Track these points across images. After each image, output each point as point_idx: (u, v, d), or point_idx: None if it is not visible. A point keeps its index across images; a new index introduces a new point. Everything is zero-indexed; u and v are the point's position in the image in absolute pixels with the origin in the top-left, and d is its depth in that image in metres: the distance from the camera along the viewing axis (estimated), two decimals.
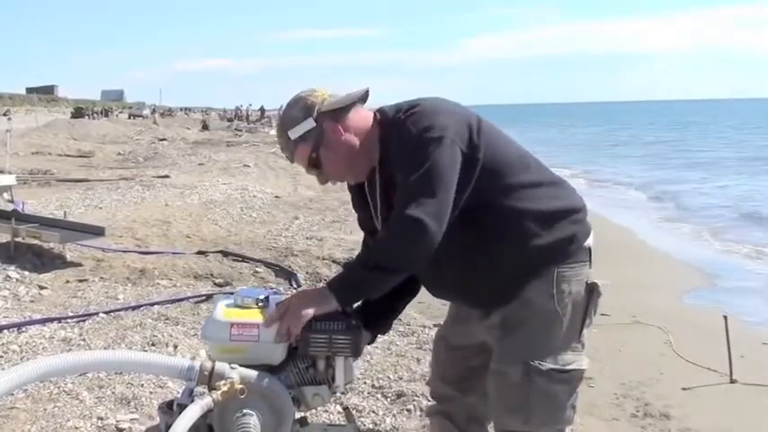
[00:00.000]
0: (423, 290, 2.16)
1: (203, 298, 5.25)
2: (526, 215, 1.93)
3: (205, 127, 36.14)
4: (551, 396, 1.96)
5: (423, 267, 1.88)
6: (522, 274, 1.95)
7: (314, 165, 1.97)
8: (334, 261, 6.45)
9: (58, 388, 3.48)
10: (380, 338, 4.36)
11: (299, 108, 1.95)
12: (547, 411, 1.96)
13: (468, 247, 1.91)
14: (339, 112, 1.95)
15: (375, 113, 2.00)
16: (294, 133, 1.93)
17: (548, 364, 1.94)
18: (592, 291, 2.00)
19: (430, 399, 2.47)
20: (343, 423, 2.82)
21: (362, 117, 1.99)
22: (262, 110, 47.42)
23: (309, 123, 1.93)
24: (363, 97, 2.01)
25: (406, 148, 1.86)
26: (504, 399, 2.00)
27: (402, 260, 1.83)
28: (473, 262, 1.94)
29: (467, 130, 1.90)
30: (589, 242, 2.03)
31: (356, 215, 2.20)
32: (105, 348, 4.07)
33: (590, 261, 2.03)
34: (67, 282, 5.64)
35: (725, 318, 4.22)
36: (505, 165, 1.94)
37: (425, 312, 4.85)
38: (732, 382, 4.05)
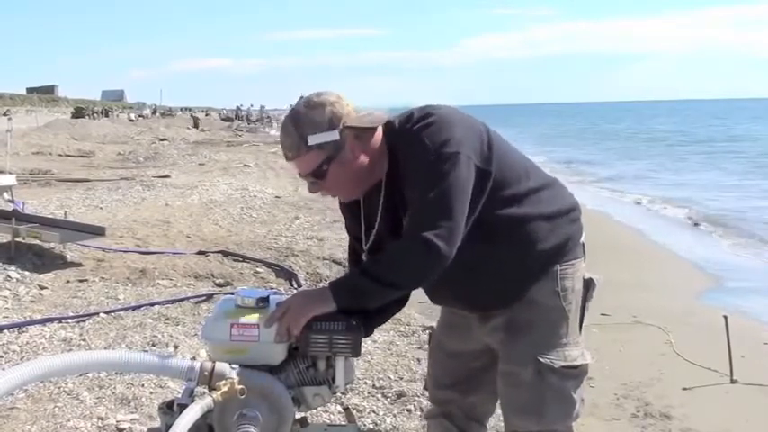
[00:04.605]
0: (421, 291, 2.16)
1: (204, 298, 5.25)
2: (530, 220, 1.94)
3: (195, 125, 36.56)
4: (563, 392, 1.97)
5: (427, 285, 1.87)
6: (527, 276, 1.96)
7: (317, 175, 1.87)
8: (334, 261, 6.45)
9: (59, 388, 3.48)
10: (381, 338, 4.40)
11: (325, 114, 1.82)
12: (559, 408, 1.98)
13: (474, 254, 1.89)
14: (363, 131, 1.87)
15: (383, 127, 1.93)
16: (314, 139, 1.81)
17: (559, 362, 1.95)
18: (588, 286, 2.05)
19: (429, 403, 2.47)
20: (343, 423, 2.82)
21: (377, 137, 1.91)
22: (261, 109, 47.58)
23: (333, 135, 1.82)
24: (384, 120, 1.93)
25: (422, 163, 1.81)
26: (516, 400, 2.00)
27: (409, 279, 1.83)
28: (478, 268, 1.93)
29: (479, 143, 1.88)
30: (583, 238, 2.07)
31: (345, 221, 2.15)
32: (106, 348, 4.06)
33: (584, 256, 2.07)
34: (68, 282, 5.64)
35: (725, 318, 4.22)
36: (510, 174, 1.93)
37: (426, 312, 4.85)
38: (733, 382, 4.05)
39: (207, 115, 60.62)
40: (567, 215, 2.02)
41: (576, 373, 1.99)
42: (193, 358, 1.79)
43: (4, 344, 4.13)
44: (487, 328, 2.04)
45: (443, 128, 1.84)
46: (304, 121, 1.83)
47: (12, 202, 7.94)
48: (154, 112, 56.83)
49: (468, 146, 1.83)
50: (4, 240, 6.31)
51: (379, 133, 1.92)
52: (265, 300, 1.90)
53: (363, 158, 1.88)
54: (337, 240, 7.27)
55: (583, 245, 2.06)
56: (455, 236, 1.79)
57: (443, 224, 1.77)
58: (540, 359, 1.94)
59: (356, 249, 2.12)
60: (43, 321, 4.53)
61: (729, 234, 9.70)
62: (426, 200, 1.79)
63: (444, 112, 1.89)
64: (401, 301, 2.04)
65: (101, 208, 9.42)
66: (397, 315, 4.78)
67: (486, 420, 2.28)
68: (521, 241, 1.94)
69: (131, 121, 40.97)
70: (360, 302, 1.87)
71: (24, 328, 4.40)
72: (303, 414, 1.98)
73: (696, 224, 10.61)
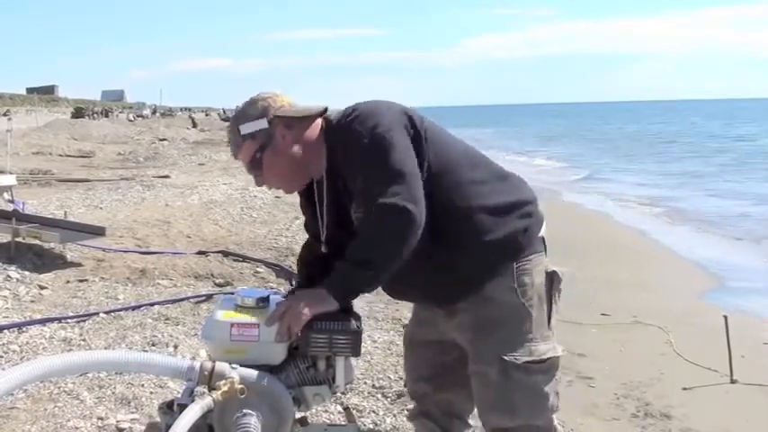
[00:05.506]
0: None
1: (204, 298, 5.25)
2: (476, 211, 1.96)
3: (194, 125, 36.95)
4: (532, 388, 2.00)
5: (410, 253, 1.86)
6: (481, 270, 1.98)
7: (255, 165, 1.99)
8: None
9: (59, 388, 3.48)
10: (381, 338, 4.40)
11: (256, 107, 1.98)
12: (531, 403, 2.01)
13: (424, 246, 1.90)
14: (293, 121, 1.97)
15: (321, 123, 2.01)
16: (245, 128, 1.96)
17: (523, 357, 1.97)
18: (552, 279, 2.05)
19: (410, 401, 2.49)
20: (343, 423, 2.82)
21: (313, 130, 2.00)
22: None
23: (262, 123, 1.96)
24: (321, 114, 2.02)
25: (358, 149, 1.88)
26: (487, 398, 2.04)
27: (391, 248, 1.83)
28: (430, 261, 1.94)
29: (408, 120, 1.94)
30: (543, 232, 2.08)
31: (305, 219, 2.21)
32: (106, 348, 4.07)
33: (545, 250, 2.07)
34: (68, 282, 5.64)
35: (725, 318, 4.22)
36: (451, 162, 1.97)
37: None
38: (732, 382, 4.05)
39: (207, 115, 60.61)
40: (517, 209, 2.02)
41: (544, 368, 2.00)
42: (193, 358, 1.79)
43: (4, 344, 4.13)
44: (453, 324, 2.07)
45: (371, 116, 1.92)
46: (238, 115, 2.01)
47: (12, 202, 7.94)
48: (154, 112, 56.85)
49: (397, 123, 1.91)
50: (4, 240, 6.30)
51: (317, 126, 2.00)
52: (265, 300, 1.90)
53: (297, 147, 1.97)
54: None
55: (542, 239, 2.07)
56: (416, 195, 1.83)
57: (399, 188, 1.81)
58: (504, 357, 1.96)
59: (311, 247, 2.18)
60: (43, 321, 4.53)
61: (727, 233, 9.70)
62: (374, 177, 1.84)
63: (371, 104, 1.99)
64: None
65: (101, 208, 9.42)
66: (398, 315, 4.83)
67: (467, 417, 2.31)
68: (464, 233, 1.95)
69: (130, 121, 41.06)
70: (356, 291, 1.88)
71: (24, 328, 4.40)
72: (303, 414, 1.99)
73: (693, 223, 10.64)
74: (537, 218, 2.07)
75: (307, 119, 2.00)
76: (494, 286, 1.98)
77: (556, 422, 2.09)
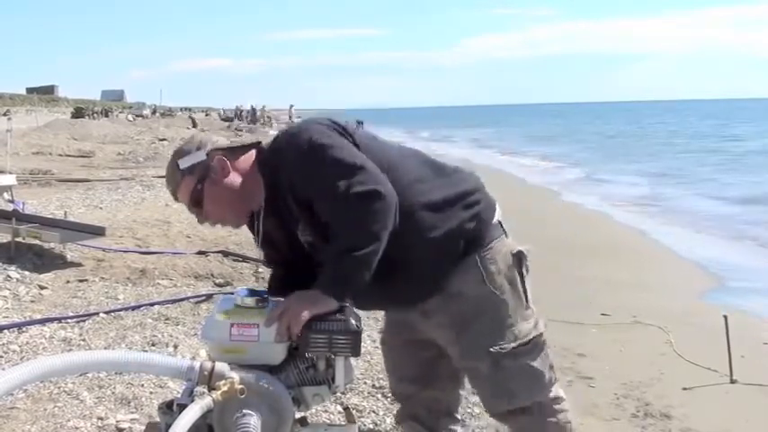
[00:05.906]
0: None
1: (203, 298, 5.25)
2: (417, 210, 1.96)
3: (194, 125, 37.12)
4: (524, 370, 2.03)
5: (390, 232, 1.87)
6: (438, 267, 1.99)
7: (196, 200, 2.01)
8: None
9: (59, 388, 3.48)
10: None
11: (193, 142, 2.04)
12: (527, 385, 2.05)
13: None
14: (230, 152, 2.01)
15: (255, 153, 2.05)
16: (184, 162, 2.00)
17: (509, 344, 2.00)
18: (520, 258, 2.07)
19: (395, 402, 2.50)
20: (343, 423, 2.82)
21: (248, 159, 2.04)
22: (254, 110, 47.69)
23: (200, 156, 2.00)
24: (255, 145, 2.06)
25: (299, 159, 1.90)
26: (484, 390, 2.10)
27: (371, 230, 1.83)
28: (386, 265, 1.90)
29: (340, 128, 1.98)
30: (497, 217, 2.08)
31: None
32: (105, 348, 4.06)
33: (505, 233, 2.09)
34: (68, 282, 5.64)
35: (725, 317, 4.21)
36: (389, 165, 1.97)
37: None
38: (732, 382, 4.05)
39: (207, 115, 60.62)
40: (460, 201, 2.02)
41: (530, 348, 2.04)
42: (193, 358, 1.79)
43: (4, 344, 4.13)
44: (432, 324, 2.08)
45: (302, 131, 1.97)
46: (176, 152, 2.05)
47: (12, 202, 7.95)
48: (153, 112, 56.85)
49: (333, 132, 1.95)
50: (4, 240, 6.30)
51: (251, 156, 2.04)
52: (265, 300, 1.90)
53: (235, 176, 2.01)
54: None
55: (499, 223, 2.08)
56: (379, 177, 1.85)
57: (361, 177, 1.83)
58: (492, 350, 1.99)
59: (276, 272, 2.23)
60: (43, 321, 4.53)
61: (726, 233, 9.69)
62: (330, 179, 1.85)
63: (300, 123, 2.06)
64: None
65: (101, 208, 9.42)
66: None
67: (455, 411, 2.33)
68: (408, 232, 1.93)
69: (130, 121, 41.07)
70: (351, 284, 1.88)
71: (24, 328, 4.40)
72: (303, 414, 1.99)
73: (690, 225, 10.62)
74: (485, 205, 2.06)
75: (242, 149, 2.05)
76: (459, 281, 1.99)
77: (555, 393, 2.11)
